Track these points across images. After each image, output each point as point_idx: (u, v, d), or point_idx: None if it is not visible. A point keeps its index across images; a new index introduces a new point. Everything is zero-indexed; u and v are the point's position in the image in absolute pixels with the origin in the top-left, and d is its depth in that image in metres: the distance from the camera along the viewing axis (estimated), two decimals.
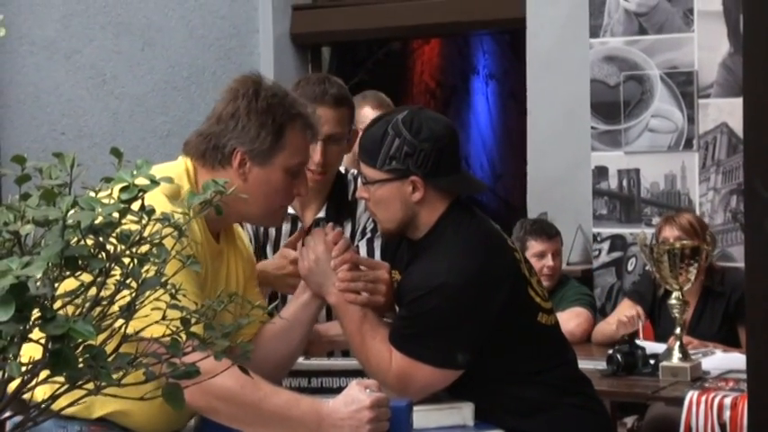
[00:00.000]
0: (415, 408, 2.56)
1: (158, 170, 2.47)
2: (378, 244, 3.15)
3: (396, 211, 2.76)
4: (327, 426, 2.41)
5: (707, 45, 5.60)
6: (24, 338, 1.24)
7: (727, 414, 3.78)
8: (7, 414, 1.38)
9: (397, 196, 2.74)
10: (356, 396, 2.43)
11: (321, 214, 3.21)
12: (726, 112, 5.54)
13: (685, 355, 4.17)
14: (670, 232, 4.65)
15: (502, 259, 2.78)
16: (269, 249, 3.20)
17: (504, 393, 2.76)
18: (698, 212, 5.52)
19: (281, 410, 2.41)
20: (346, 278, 2.75)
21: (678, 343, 4.18)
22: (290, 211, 3.17)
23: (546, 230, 5.26)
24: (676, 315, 4.23)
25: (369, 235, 3.20)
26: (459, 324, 2.69)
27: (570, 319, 4.90)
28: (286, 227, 3.19)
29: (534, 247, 5.10)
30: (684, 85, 5.65)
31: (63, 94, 6.21)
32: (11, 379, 1.29)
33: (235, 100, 2.54)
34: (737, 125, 5.40)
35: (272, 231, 3.18)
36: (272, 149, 2.53)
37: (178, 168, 2.56)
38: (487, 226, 2.84)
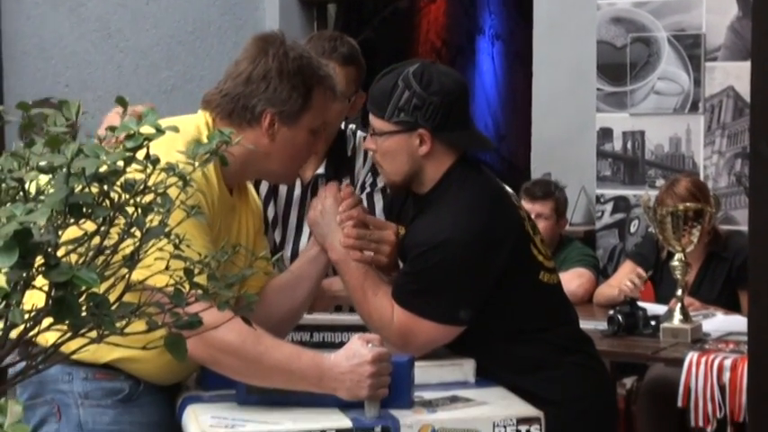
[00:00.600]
0: (416, 363, 2.57)
1: (177, 122, 2.51)
2: (378, 198, 3.15)
3: (402, 164, 2.76)
4: (328, 379, 2.42)
5: (715, 8, 5.57)
6: (28, 285, 1.24)
7: (726, 376, 3.79)
8: (13, 360, 1.39)
9: (403, 149, 2.74)
10: (358, 350, 2.44)
11: (320, 170, 3.20)
12: (733, 75, 5.52)
13: (686, 317, 4.17)
14: (670, 202, 4.63)
15: (506, 216, 2.77)
16: (270, 208, 3.19)
17: (505, 351, 2.77)
18: (702, 175, 5.51)
19: (283, 364, 2.41)
20: (351, 235, 2.75)
21: (679, 304, 4.18)
22: None
23: (532, 192, 5.19)
24: (678, 277, 4.23)
25: (368, 189, 3.19)
26: (462, 280, 2.69)
27: (572, 280, 4.90)
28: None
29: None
30: (692, 48, 5.62)
31: (68, 46, 6.19)
32: (14, 326, 1.29)
33: (265, 60, 2.56)
34: (744, 89, 5.38)
35: (264, 187, 3.18)
36: (300, 111, 2.57)
37: (198, 120, 2.58)
38: (493, 183, 2.84)
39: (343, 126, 3.28)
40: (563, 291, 2.95)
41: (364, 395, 2.41)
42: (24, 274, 1.20)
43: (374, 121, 2.78)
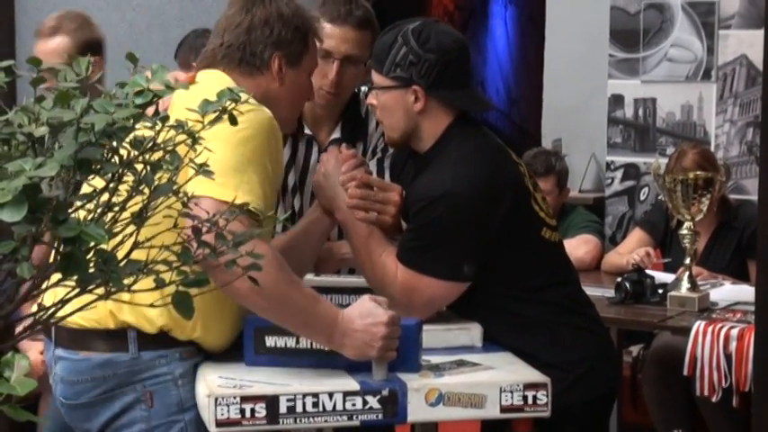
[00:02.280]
0: (424, 327, 2.57)
1: (216, 79, 2.51)
2: (387, 164, 3.15)
3: (399, 120, 2.78)
4: (339, 334, 2.41)
5: None
6: (36, 240, 1.23)
7: (733, 345, 3.78)
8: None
9: (400, 104, 2.77)
10: (373, 310, 2.43)
11: (336, 134, 3.20)
12: (746, 43, 5.48)
13: (694, 286, 4.17)
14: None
15: (506, 170, 2.78)
16: (291, 175, 3.18)
17: (505, 310, 2.77)
18: (713, 144, 5.48)
19: (302, 304, 2.40)
20: (355, 195, 2.77)
21: (687, 273, 4.18)
22: (306, 131, 3.16)
23: (534, 167, 5.05)
24: (687, 245, 4.22)
25: (379, 155, 3.19)
26: (464, 234, 2.70)
27: (579, 246, 4.89)
28: (302, 147, 3.18)
29: None
30: (705, 16, 5.58)
31: (80, 2, 6.17)
32: (22, 281, 1.29)
33: (262, 7, 2.61)
34: (757, 57, 5.34)
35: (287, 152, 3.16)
36: (301, 52, 2.65)
37: (222, 78, 2.57)
38: (492, 139, 2.85)
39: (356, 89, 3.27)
40: (564, 250, 2.95)
41: (373, 355, 2.41)
42: (33, 229, 1.20)
43: (374, 76, 2.82)
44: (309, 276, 2.86)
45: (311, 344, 2.49)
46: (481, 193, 2.70)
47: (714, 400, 3.88)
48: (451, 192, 2.68)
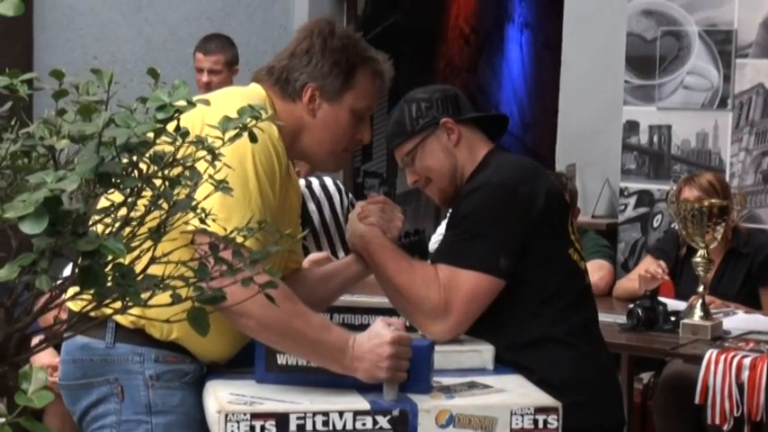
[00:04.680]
0: (435, 348, 2.56)
1: (239, 93, 2.54)
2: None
3: (442, 164, 2.87)
4: (350, 358, 2.42)
5: (748, 4, 5.53)
6: (56, 253, 1.23)
7: (745, 374, 3.77)
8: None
9: (437, 147, 2.87)
10: (379, 331, 2.44)
11: None
12: (763, 72, 5.48)
13: (707, 314, 4.15)
14: (689, 193, 4.59)
15: (545, 178, 2.87)
16: None
17: (519, 322, 2.76)
18: (728, 173, 5.48)
19: (312, 333, 2.41)
20: (365, 206, 2.80)
21: (700, 301, 4.16)
22: None
23: None
24: (700, 273, 4.21)
25: None
26: (502, 225, 2.74)
27: (593, 272, 4.85)
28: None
29: None
30: (722, 44, 5.58)
31: (98, 17, 6.20)
32: (40, 293, 1.29)
33: (310, 37, 2.61)
34: None
35: None
36: (342, 87, 2.60)
37: (259, 92, 2.60)
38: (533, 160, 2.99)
39: None
40: (589, 281, 2.94)
41: (382, 377, 2.41)
42: (53, 242, 1.20)
43: (402, 150, 2.90)
44: None
45: None
46: (521, 187, 2.76)
47: (725, 428, 3.86)
48: (492, 182, 2.77)
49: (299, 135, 2.58)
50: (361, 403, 2.40)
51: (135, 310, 1.39)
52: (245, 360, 2.57)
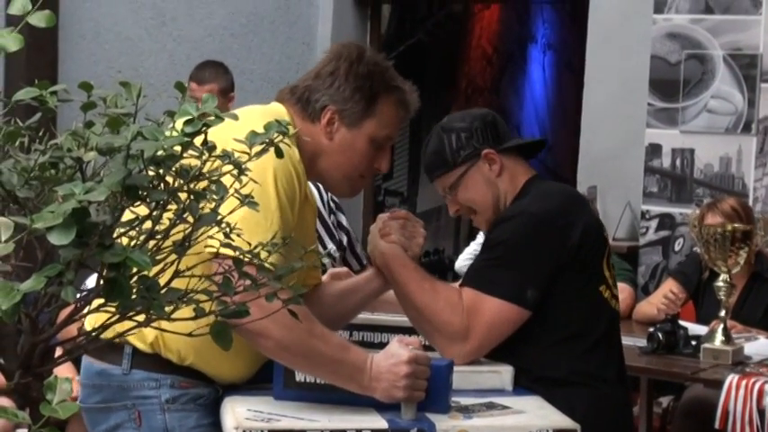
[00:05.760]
0: (454, 369, 2.55)
1: (262, 111, 2.54)
2: None
3: (485, 195, 2.84)
4: (369, 378, 2.41)
5: None
6: (82, 264, 1.24)
7: (766, 400, 3.75)
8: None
9: (479, 179, 2.84)
10: (396, 351, 2.43)
11: None
12: None
13: (728, 339, 4.13)
14: (712, 219, 4.58)
15: (584, 211, 2.84)
16: None
17: (538, 354, 2.74)
18: (751, 197, 5.45)
19: (330, 354, 2.41)
20: (386, 221, 2.77)
21: (722, 326, 4.14)
22: None
23: None
24: (722, 297, 4.18)
25: None
26: (532, 255, 2.72)
27: None
28: None
29: None
30: (747, 68, 5.57)
31: (122, 31, 6.23)
32: (64, 305, 1.30)
33: (336, 60, 2.60)
34: None
35: None
36: (362, 114, 2.58)
37: (281, 110, 2.59)
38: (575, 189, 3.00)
39: None
40: (619, 323, 2.90)
41: (399, 396, 2.40)
42: (80, 253, 1.20)
43: (443, 183, 2.88)
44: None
45: None
46: (558, 219, 2.74)
47: None
48: (528, 211, 2.75)
49: (317, 157, 2.57)
50: (379, 422, 2.39)
51: (155, 325, 1.39)
52: (264, 377, 2.56)
